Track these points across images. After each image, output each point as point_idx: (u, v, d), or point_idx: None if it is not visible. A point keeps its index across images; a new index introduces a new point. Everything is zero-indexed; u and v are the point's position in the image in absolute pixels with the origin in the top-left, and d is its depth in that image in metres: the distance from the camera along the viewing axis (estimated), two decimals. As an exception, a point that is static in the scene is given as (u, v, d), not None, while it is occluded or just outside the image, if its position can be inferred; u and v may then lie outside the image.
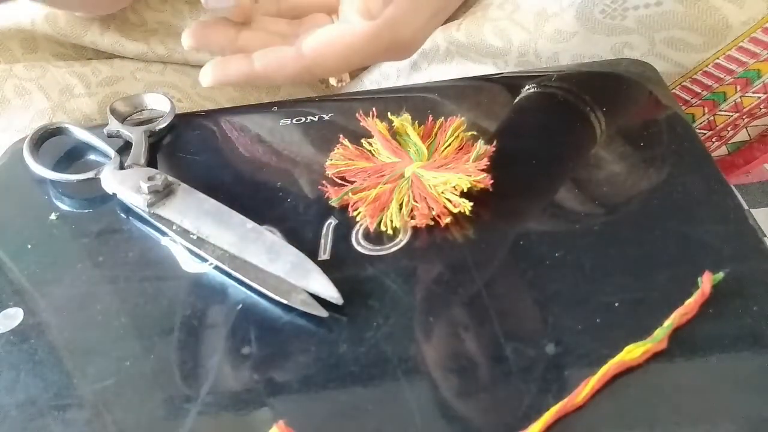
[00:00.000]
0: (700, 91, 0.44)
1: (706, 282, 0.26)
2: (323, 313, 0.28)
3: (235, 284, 0.31)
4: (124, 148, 0.40)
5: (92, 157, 0.41)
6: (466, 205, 0.31)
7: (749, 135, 0.47)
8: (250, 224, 0.32)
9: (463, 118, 0.36)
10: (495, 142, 0.34)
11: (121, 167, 0.38)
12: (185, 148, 0.41)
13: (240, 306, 0.30)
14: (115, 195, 0.36)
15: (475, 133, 0.35)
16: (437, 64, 0.49)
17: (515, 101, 0.40)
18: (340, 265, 0.31)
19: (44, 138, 0.41)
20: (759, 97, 0.43)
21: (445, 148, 0.35)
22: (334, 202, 0.33)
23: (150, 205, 0.34)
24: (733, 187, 0.31)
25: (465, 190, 0.32)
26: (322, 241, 0.32)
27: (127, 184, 0.35)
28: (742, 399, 0.23)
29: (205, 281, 0.31)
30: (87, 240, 0.35)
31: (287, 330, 0.28)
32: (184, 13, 0.52)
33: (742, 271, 0.27)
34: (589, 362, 0.25)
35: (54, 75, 0.47)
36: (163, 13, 0.52)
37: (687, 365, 0.24)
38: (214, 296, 0.31)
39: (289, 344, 0.28)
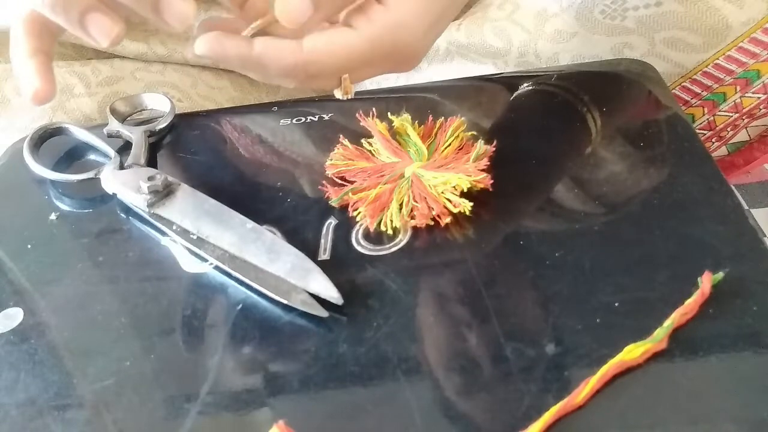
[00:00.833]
0: (700, 91, 0.44)
1: (706, 282, 0.26)
2: (323, 313, 0.28)
3: (235, 284, 0.31)
4: (124, 148, 0.40)
5: (92, 157, 0.41)
6: (466, 205, 0.31)
7: (749, 135, 0.47)
8: (250, 224, 0.32)
9: (463, 118, 0.36)
10: (495, 142, 0.34)
11: (121, 167, 0.38)
12: (185, 148, 0.41)
13: (240, 306, 0.30)
14: (115, 195, 0.36)
15: (475, 133, 0.36)
16: (437, 64, 0.49)
17: (515, 101, 0.40)
18: (340, 265, 0.31)
19: (44, 138, 0.41)
20: (759, 98, 0.43)
21: (445, 148, 0.35)
22: (334, 202, 0.33)
23: (150, 205, 0.34)
24: (733, 187, 0.31)
25: (465, 190, 0.32)
26: (322, 241, 0.32)
27: (127, 184, 0.35)
28: (742, 399, 0.23)
29: (205, 281, 0.31)
30: (87, 240, 0.35)
31: (287, 330, 0.28)
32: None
33: (742, 271, 0.27)
34: (589, 362, 0.25)
35: (54, 75, 0.47)
36: None
37: (687, 365, 0.24)
38: (214, 296, 0.31)
39: (289, 344, 0.28)
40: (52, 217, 0.37)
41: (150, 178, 0.35)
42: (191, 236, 0.33)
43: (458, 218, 0.32)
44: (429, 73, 0.50)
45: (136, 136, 0.40)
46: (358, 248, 0.31)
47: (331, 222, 0.33)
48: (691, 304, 0.25)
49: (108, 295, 0.32)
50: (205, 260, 0.32)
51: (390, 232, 0.32)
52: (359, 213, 0.33)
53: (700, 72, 0.42)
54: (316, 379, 0.26)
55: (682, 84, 0.43)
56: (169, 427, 0.26)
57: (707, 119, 0.45)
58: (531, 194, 0.33)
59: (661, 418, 0.23)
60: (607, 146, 0.35)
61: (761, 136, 0.47)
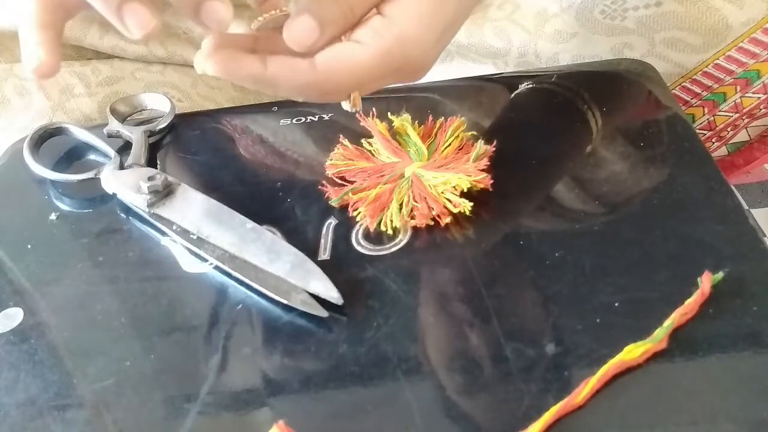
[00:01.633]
0: (700, 91, 0.44)
1: (705, 282, 0.26)
2: (323, 313, 0.28)
3: (235, 284, 0.31)
4: (124, 148, 0.40)
5: (92, 157, 0.41)
6: (466, 205, 0.31)
7: (749, 135, 0.47)
8: (250, 224, 0.32)
9: (463, 118, 0.36)
10: (495, 142, 0.34)
11: (121, 167, 0.38)
12: (185, 148, 0.41)
13: (240, 306, 0.30)
14: (115, 195, 0.36)
15: (475, 133, 0.36)
16: (437, 65, 0.49)
17: (515, 101, 0.40)
18: (340, 265, 0.31)
19: (44, 138, 0.41)
20: (759, 98, 0.43)
21: (445, 148, 0.35)
22: (334, 202, 0.33)
23: (150, 205, 0.34)
24: (733, 187, 0.31)
25: (465, 190, 0.32)
26: (322, 241, 0.32)
27: (127, 184, 0.35)
28: (742, 399, 0.23)
29: (205, 281, 0.31)
30: (87, 240, 0.35)
31: (287, 330, 0.28)
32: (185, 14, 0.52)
33: (742, 271, 0.27)
34: (589, 362, 0.25)
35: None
36: (163, 15, 0.52)
37: (687, 365, 0.24)
38: (214, 296, 0.31)
39: (289, 344, 0.28)
40: (52, 217, 0.37)
41: (150, 178, 0.35)
42: (191, 236, 0.33)
43: (458, 218, 0.32)
44: (429, 73, 0.50)
45: (136, 136, 0.40)
46: (358, 248, 0.31)
47: (331, 222, 0.33)
48: (691, 304, 0.25)
49: (108, 295, 0.32)
50: (205, 260, 0.32)
51: (390, 232, 0.32)
52: (359, 213, 0.33)
53: (700, 72, 0.42)
54: (316, 379, 0.26)
55: (682, 84, 0.43)
56: (169, 427, 0.26)
57: (707, 119, 0.45)
58: (531, 194, 0.33)
59: (661, 418, 0.23)
60: (607, 146, 0.35)
61: (761, 136, 0.47)
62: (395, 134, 0.36)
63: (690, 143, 0.34)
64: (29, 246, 0.35)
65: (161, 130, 0.41)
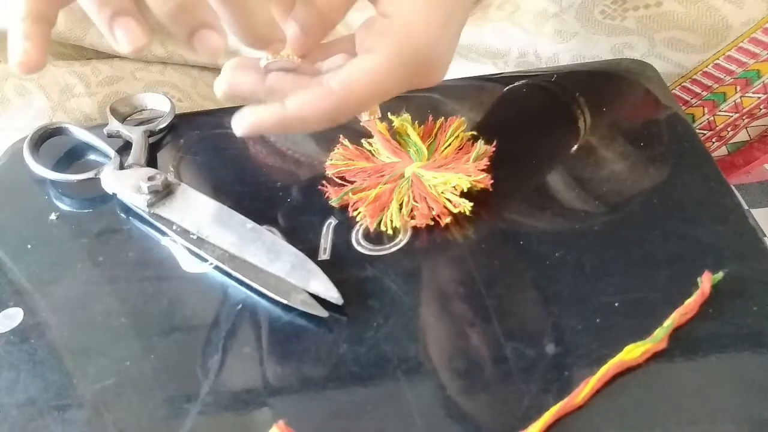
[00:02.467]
0: (700, 91, 0.44)
1: (705, 282, 0.26)
2: (323, 313, 0.28)
3: (235, 284, 0.31)
4: (124, 148, 0.40)
5: (92, 157, 0.41)
6: (466, 205, 0.31)
7: (749, 135, 0.47)
8: (250, 224, 0.32)
9: (463, 118, 0.36)
10: (495, 142, 0.34)
11: (121, 167, 0.38)
12: (185, 148, 0.41)
13: (240, 306, 0.30)
14: (115, 195, 0.36)
15: (475, 133, 0.35)
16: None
17: (515, 101, 0.40)
18: (340, 265, 0.31)
19: (44, 138, 0.41)
20: (759, 98, 0.43)
21: (445, 148, 0.35)
22: (334, 202, 0.33)
23: (150, 205, 0.34)
24: (733, 187, 0.31)
25: (465, 190, 0.32)
26: (322, 241, 0.32)
27: (127, 184, 0.35)
28: (742, 399, 0.23)
29: (205, 281, 0.31)
30: (87, 240, 0.35)
31: (287, 330, 0.28)
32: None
33: (742, 271, 0.27)
34: (589, 362, 0.25)
35: (54, 75, 0.47)
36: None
37: (687, 365, 0.24)
38: (214, 296, 0.31)
39: (289, 344, 0.28)
40: (52, 217, 0.37)
41: (150, 178, 0.35)
42: (191, 236, 0.33)
43: (458, 218, 0.32)
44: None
45: (136, 136, 0.40)
46: (358, 248, 0.31)
47: (331, 222, 0.33)
48: (691, 304, 0.25)
49: (108, 295, 0.32)
50: (205, 260, 0.32)
51: (390, 232, 0.32)
52: (359, 213, 0.33)
53: (700, 72, 0.42)
54: (316, 379, 0.26)
55: (682, 84, 0.43)
56: (169, 427, 0.26)
57: (707, 119, 0.45)
58: (531, 194, 0.33)
59: (661, 418, 0.23)
60: (607, 146, 0.35)
61: (761, 136, 0.47)
62: (395, 134, 0.36)
63: (690, 143, 0.34)
64: (29, 246, 0.35)
65: (161, 130, 0.41)
